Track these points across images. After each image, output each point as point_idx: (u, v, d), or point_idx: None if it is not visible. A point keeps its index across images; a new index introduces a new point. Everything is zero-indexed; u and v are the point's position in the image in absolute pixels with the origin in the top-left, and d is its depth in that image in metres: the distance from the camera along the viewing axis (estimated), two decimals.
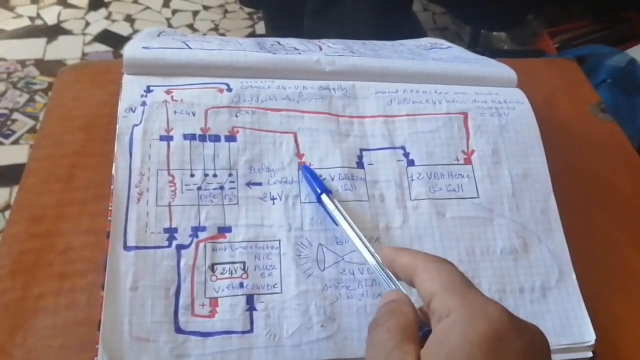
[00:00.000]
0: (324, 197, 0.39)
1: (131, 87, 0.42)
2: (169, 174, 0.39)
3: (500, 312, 0.26)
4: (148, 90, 0.41)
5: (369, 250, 0.35)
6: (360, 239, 0.36)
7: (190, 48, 0.45)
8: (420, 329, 0.29)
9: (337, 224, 0.38)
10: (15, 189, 1.21)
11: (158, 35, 0.49)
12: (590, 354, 0.38)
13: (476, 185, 0.42)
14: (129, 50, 0.43)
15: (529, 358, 0.25)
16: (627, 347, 0.39)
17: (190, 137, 0.40)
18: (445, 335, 0.26)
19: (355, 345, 0.36)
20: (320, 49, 0.49)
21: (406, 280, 0.31)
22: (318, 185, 0.39)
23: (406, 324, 0.29)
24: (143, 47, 0.43)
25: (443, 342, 0.26)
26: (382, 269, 0.34)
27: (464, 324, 0.25)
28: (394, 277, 0.33)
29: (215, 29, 1.64)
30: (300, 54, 0.47)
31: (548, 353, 0.27)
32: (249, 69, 0.44)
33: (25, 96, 1.40)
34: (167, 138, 0.40)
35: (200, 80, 0.43)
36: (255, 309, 0.36)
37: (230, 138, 0.41)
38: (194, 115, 0.41)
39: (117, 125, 0.40)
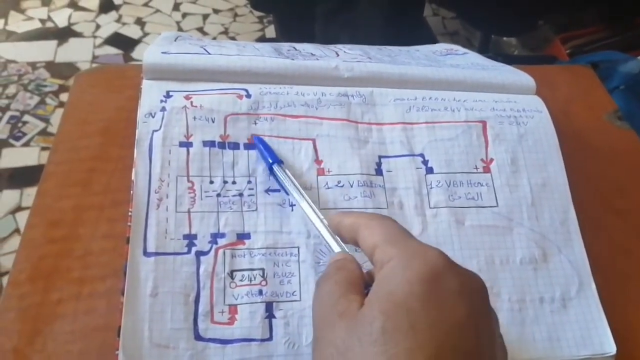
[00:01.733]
0: (275, 167, 0.39)
1: (150, 92, 0.42)
2: (189, 181, 0.39)
3: (437, 256, 0.28)
4: (167, 95, 0.41)
5: (318, 217, 0.36)
6: (310, 206, 0.37)
7: (208, 53, 0.45)
8: (365, 287, 0.30)
9: (288, 194, 0.39)
10: (26, 190, 1.22)
11: (175, 40, 0.49)
12: None
13: (495, 194, 0.42)
14: (149, 56, 0.43)
15: (465, 296, 0.27)
16: None
17: (210, 144, 0.40)
18: (386, 277, 0.27)
19: None
20: (337, 54, 0.49)
21: (352, 241, 0.33)
22: (270, 155, 0.40)
23: (352, 278, 0.30)
24: (162, 52, 0.43)
25: (384, 283, 0.27)
26: (331, 234, 0.35)
27: (403, 266, 0.27)
28: (341, 241, 0.34)
29: (225, 32, 1.64)
30: (317, 59, 0.47)
31: (483, 294, 0.28)
32: (268, 74, 0.44)
33: (36, 98, 1.41)
34: (186, 144, 0.40)
35: (219, 86, 0.43)
36: (274, 317, 0.36)
37: (249, 146, 0.41)
38: (213, 121, 0.41)
39: (137, 131, 0.40)
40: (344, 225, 0.33)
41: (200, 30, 1.64)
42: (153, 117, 0.40)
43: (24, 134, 1.33)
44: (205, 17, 1.69)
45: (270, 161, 0.39)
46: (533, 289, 0.39)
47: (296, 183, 0.38)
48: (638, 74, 0.93)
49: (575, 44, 1.25)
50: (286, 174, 0.39)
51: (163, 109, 0.41)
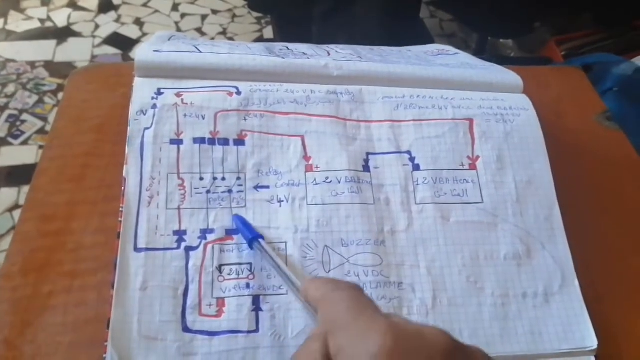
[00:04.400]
0: (256, 243, 0.38)
1: (142, 89, 0.42)
2: (179, 178, 0.39)
3: (384, 340, 0.25)
4: (159, 93, 0.42)
5: (295, 288, 0.34)
6: (291, 281, 0.35)
7: (200, 52, 0.45)
8: None
9: (270, 265, 0.37)
10: (24, 189, 1.22)
11: (169, 39, 0.49)
12: (592, 359, 0.38)
13: (481, 191, 0.42)
14: (141, 53, 0.43)
15: None
16: (629, 352, 0.40)
17: (200, 140, 0.41)
18: None
19: None
20: (329, 54, 0.50)
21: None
22: (250, 231, 0.38)
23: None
24: (154, 51, 0.44)
25: None
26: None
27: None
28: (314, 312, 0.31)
29: (224, 33, 1.65)
30: (308, 58, 0.47)
31: None
32: (258, 72, 0.44)
33: (35, 97, 1.41)
34: (177, 142, 0.40)
35: (210, 84, 0.43)
36: (261, 310, 0.36)
37: (239, 142, 0.41)
38: (203, 118, 0.41)
39: (129, 128, 0.40)
40: (309, 297, 0.31)
41: (199, 30, 1.65)
42: (144, 114, 0.41)
43: (22, 133, 1.33)
44: (204, 17, 1.69)
45: (250, 237, 0.38)
46: (516, 284, 0.39)
47: (275, 257, 0.36)
48: (631, 76, 0.94)
49: (570, 46, 1.25)
50: (264, 249, 0.37)
51: (154, 107, 0.41)
